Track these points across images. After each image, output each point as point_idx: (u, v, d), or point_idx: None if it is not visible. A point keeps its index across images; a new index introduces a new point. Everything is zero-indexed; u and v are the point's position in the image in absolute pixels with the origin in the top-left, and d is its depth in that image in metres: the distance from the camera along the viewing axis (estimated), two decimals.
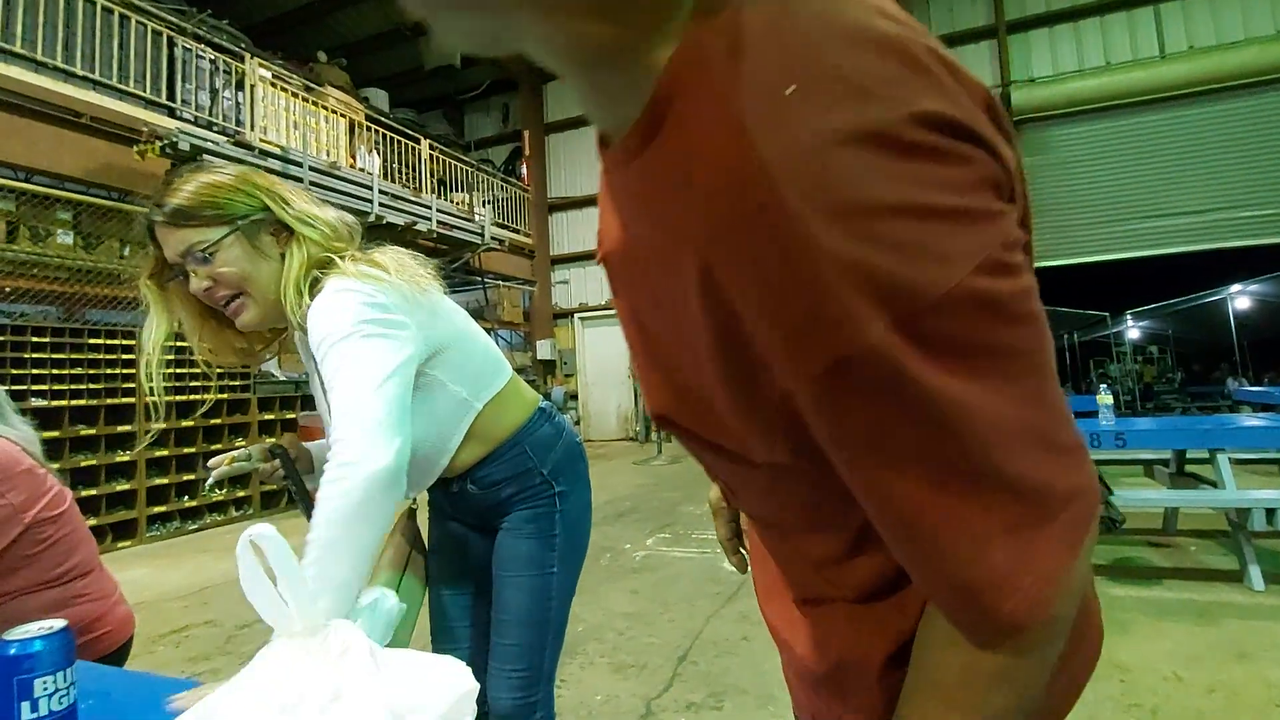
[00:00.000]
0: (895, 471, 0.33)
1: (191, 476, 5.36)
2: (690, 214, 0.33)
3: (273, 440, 1.25)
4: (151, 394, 1.07)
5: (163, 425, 1.23)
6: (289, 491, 1.23)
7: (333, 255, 1.05)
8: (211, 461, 1.17)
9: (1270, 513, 3.87)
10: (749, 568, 0.71)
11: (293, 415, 6.16)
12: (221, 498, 5.58)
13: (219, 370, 1.22)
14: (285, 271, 1.02)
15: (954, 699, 0.39)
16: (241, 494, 5.75)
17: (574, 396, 11.00)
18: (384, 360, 0.96)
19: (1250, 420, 3.73)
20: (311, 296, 1.01)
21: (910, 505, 0.34)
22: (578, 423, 10.87)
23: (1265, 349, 16.66)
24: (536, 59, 0.36)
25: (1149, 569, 3.42)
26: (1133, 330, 15.77)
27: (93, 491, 4.69)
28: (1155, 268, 8.41)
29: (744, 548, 0.77)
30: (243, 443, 5.74)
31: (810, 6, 0.32)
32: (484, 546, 1.25)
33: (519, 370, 10.17)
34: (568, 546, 1.22)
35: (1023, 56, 8.64)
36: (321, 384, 1.08)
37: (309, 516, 1.19)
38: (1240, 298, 12.07)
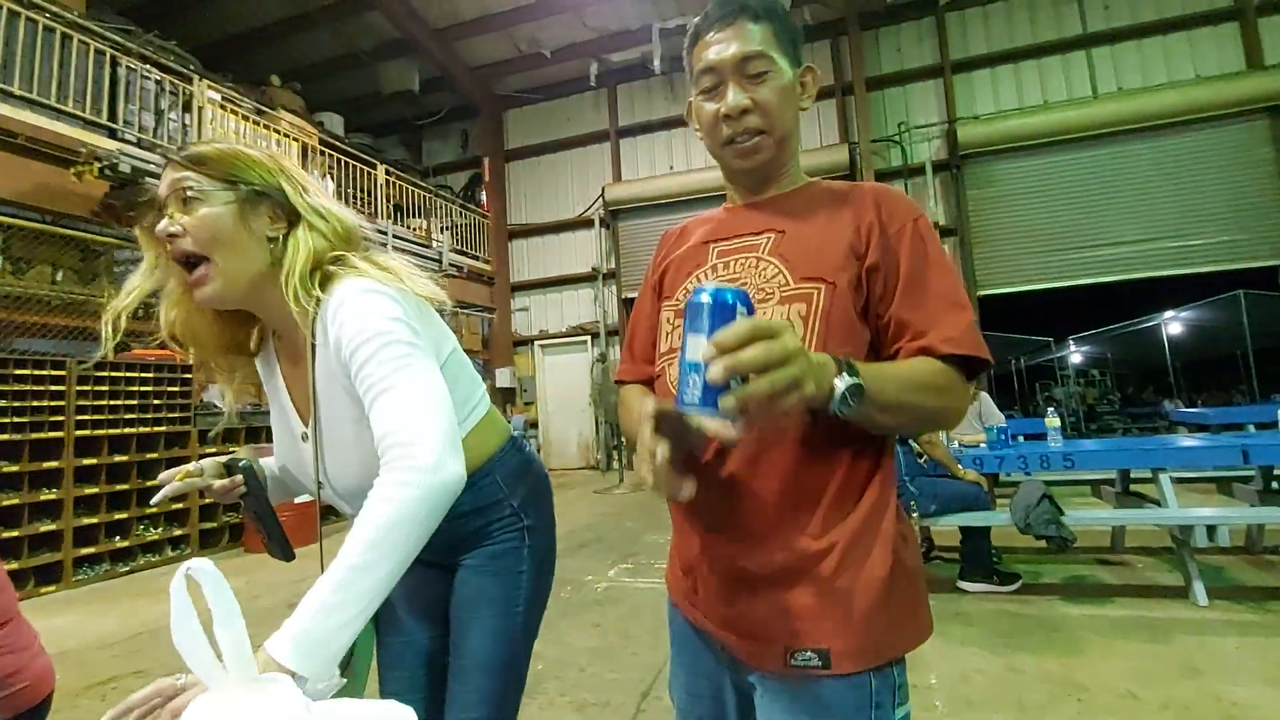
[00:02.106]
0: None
1: (124, 515, 5.06)
2: (863, 207, 0.87)
3: (230, 455, 1.13)
4: (109, 330, 0.96)
5: (112, 345, 1.04)
6: (252, 513, 1.11)
7: (342, 253, 0.99)
8: (162, 476, 1.07)
9: (1211, 529, 4.03)
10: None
11: (234, 449, 5.90)
12: (156, 537, 5.27)
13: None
14: (289, 261, 0.95)
15: (913, 384, 0.75)
16: (178, 532, 5.45)
17: (534, 425, 10.86)
18: (435, 370, 0.93)
19: (1189, 441, 3.89)
20: (323, 292, 0.95)
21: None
22: (538, 451, 10.72)
23: (1197, 371, 17.56)
24: None
25: (1100, 587, 3.50)
26: (1075, 355, 16.43)
27: (14, 533, 4.38)
28: (1095, 295, 8.78)
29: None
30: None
31: None
32: (442, 585, 1.14)
33: None
34: (535, 584, 1.14)
35: (967, 95, 9.05)
36: (311, 398, 1.00)
37: (273, 539, 1.11)
38: (1173, 323, 12.73)
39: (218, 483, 1.09)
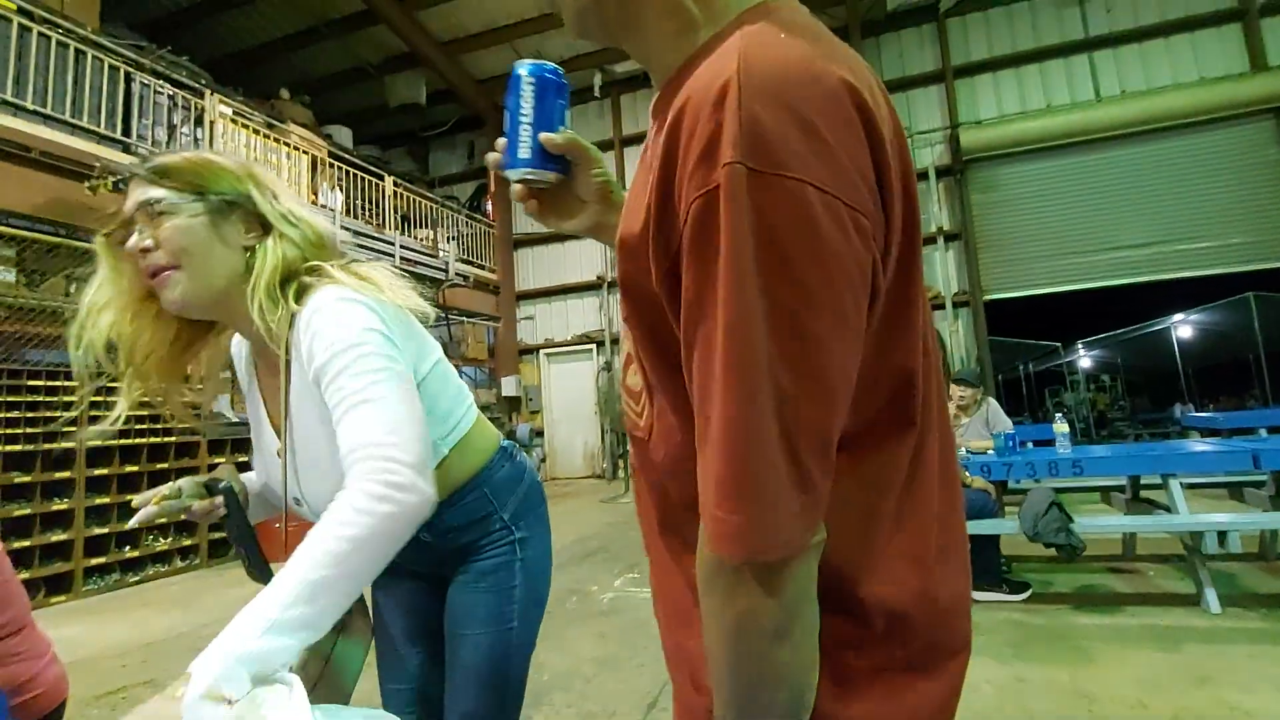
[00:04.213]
0: None
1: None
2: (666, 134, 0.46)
3: (210, 475, 1.10)
4: (82, 366, 0.92)
5: (90, 398, 0.90)
6: (233, 536, 1.08)
7: (318, 263, 0.96)
8: (136, 500, 1.02)
9: (1221, 536, 3.99)
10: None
11: (245, 458, 5.94)
12: (166, 547, 5.31)
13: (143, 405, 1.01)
14: (256, 273, 0.93)
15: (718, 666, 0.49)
16: (188, 542, 5.48)
17: (539, 433, 10.87)
18: (413, 387, 0.90)
19: (1199, 446, 3.86)
20: (298, 304, 0.92)
21: None
22: (544, 460, 10.72)
23: (1210, 376, 17.40)
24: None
25: (1111, 595, 3.47)
26: (1084, 360, 16.32)
27: (26, 543, 4.42)
28: (1103, 299, 8.74)
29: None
30: None
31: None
32: (433, 597, 1.15)
33: (483, 408, 10.15)
34: (528, 598, 1.11)
35: (969, 99, 9.05)
36: (283, 414, 0.97)
37: (253, 563, 1.08)
38: (1182, 327, 12.64)
39: (197, 504, 1.05)
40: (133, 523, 1.03)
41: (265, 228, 0.96)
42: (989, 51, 9.03)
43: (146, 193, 0.91)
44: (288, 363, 0.94)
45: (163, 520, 1.04)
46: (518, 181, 0.71)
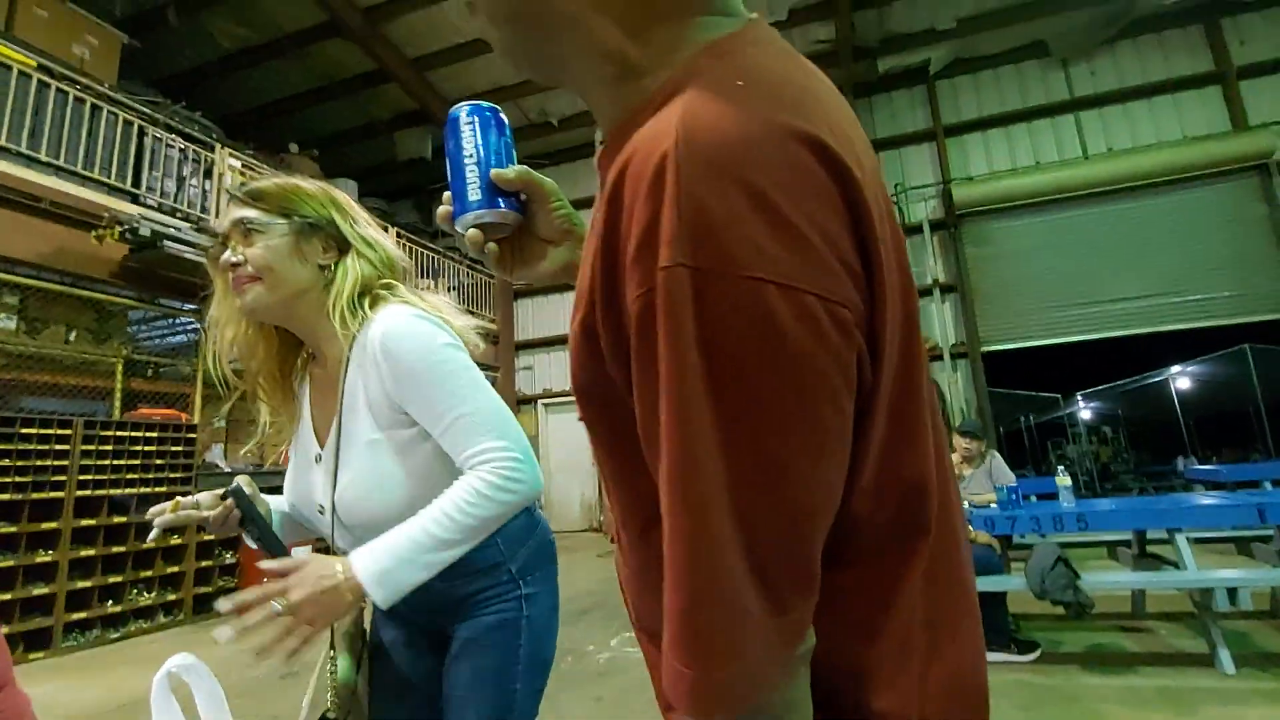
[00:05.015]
0: None
1: (118, 579, 4.97)
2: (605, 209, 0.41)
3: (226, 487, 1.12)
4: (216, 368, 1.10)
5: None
6: (253, 538, 1.08)
7: (391, 282, 1.10)
8: (153, 510, 1.04)
9: (1232, 592, 3.90)
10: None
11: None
12: (150, 602, 5.16)
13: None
14: (337, 288, 1.04)
15: None
16: (172, 597, 5.33)
17: None
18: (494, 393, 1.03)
19: (1205, 499, 3.81)
20: (370, 312, 1.04)
21: None
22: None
23: (1214, 427, 17.32)
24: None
25: (1122, 655, 3.37)
26: (1085, 411, 16.28)
27: (6, 596, 4.30)
28: (1100, 351, 8.78)
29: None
30: (179, 540, 5.40)
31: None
32: (434, 653, 1.10)
33: None
34: (532, 659, 1.06)
35: (960, 156, 9.29)
36: (337, 413, 1.03)
37: (277, 556, 1.08)
38: (1181, 378, 12.66)
39: (213, 513, 1.06)
40: (152, 534, 1.05)
41: (343, 248, 1.09)
42: (978, 111, 9.31)
43: (240, 213, 1.04)
44: (347, 361, 1.04)
45: (179, 525, 1.05)
46: (474, 226, 0.63)
